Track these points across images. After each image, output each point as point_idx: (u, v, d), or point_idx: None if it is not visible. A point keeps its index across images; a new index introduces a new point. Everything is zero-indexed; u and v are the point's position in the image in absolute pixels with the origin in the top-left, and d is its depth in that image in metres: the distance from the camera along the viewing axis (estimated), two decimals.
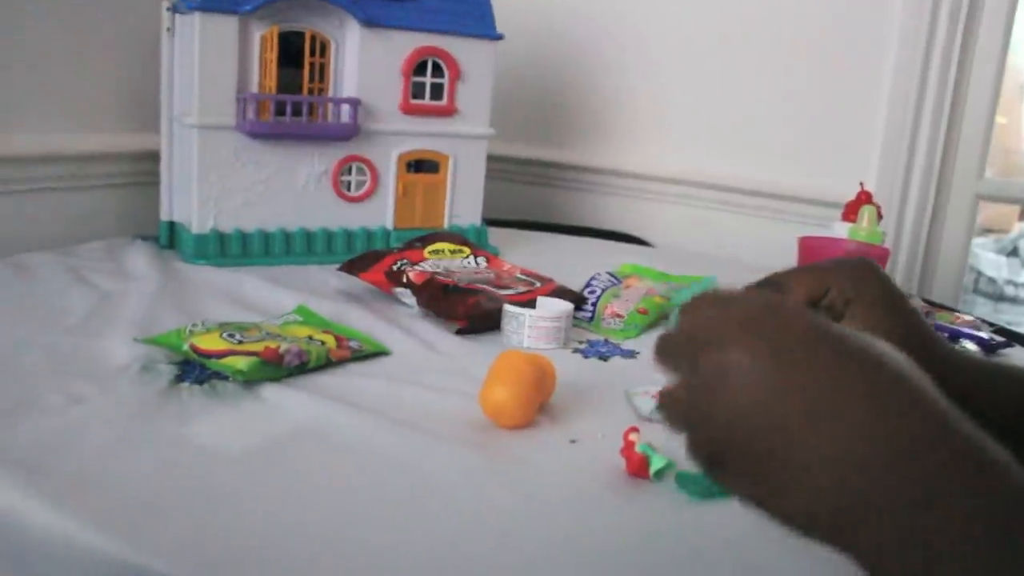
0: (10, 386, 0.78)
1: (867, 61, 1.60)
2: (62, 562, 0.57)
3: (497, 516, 0.63)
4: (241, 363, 0.81)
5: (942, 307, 1.30)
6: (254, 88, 1.25)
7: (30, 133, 1.33)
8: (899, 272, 1.64)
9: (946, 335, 1.08)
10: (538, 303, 1.07)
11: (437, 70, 1.38)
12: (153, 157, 1.36)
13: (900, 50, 1.56)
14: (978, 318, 1.19)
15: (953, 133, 1.58)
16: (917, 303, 1.27)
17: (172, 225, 1.34)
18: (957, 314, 1.21)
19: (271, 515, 0.60)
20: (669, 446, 0.71)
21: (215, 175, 1.26)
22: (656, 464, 0.68)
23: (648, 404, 0.84)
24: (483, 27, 1.40)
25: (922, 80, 1.55)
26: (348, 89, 1.32)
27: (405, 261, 1.15)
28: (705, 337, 0.39)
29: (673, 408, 0.41)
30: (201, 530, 0.58)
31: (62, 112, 1.37)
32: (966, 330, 1.10)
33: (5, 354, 0.85)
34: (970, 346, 1.04)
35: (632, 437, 0.69)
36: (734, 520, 0.64)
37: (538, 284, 1.15)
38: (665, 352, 0.42)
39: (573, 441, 0.76)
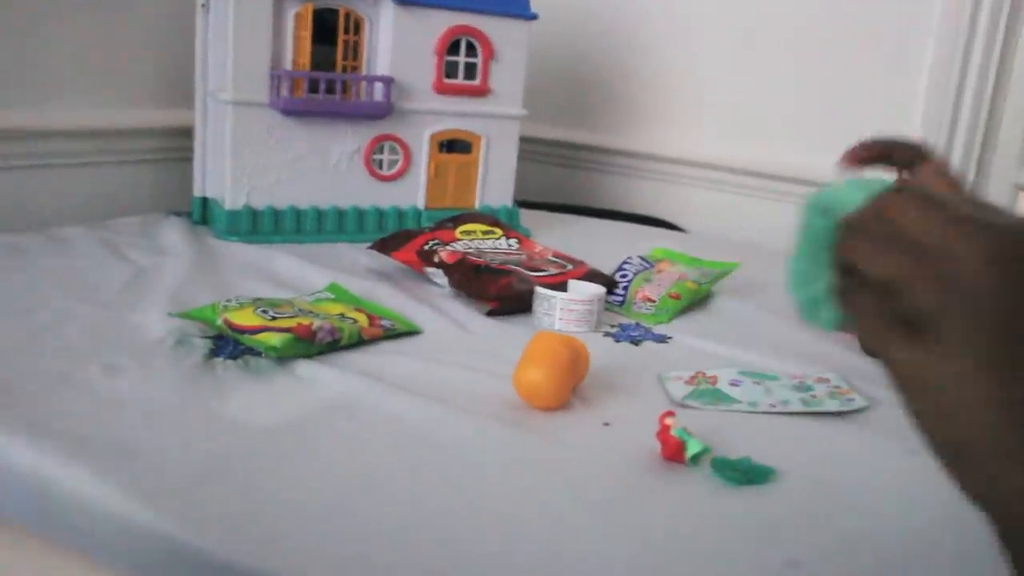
0: (52, 357, 0.79)
1: (906, 48, 1.57)
2: (100, 529, 0.58)
3: (531, 496, 0.63)
4: (275, 339, 0.81)
5: None
6: (288, 65, 1.25)
7: (65, 109, 1.34)
8: None
9: None
10: (570, 286, 1.06)
11: (471, 49, 1.37)
12: (187, 133, 1.36)
13: (940, 37, 1.53)
14: None
15: (993, 122, 1.56)
16: None
17: (205, 201, 1.35)
18: None
19: (303, 490, 0.61)
20: (705, 431, 0.71)
21: (248, 152, 1.26)
22: (692, 449, 0.67)
23: (681, 389, 0.84)
24: (518, 6, 1.39)
25: (962, 68, 1.52)
26: (381, 67, 1.31)
27: (437, 241, 1.15)
28: (958, 213, 0.36)
29: (884, 241, 0.37)
30: (233, 503, 0.58)
31: (97, 88, 1.38)
32: None
33: (46, 325, 0.86)
34: None
35: (668, 421, 0.68)
36: (770, 507, 0.64)
37: (570, 267, 1.15)
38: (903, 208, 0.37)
39: (607, 424, 0.75)
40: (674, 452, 0.67)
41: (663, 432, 0.68)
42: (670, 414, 0.69)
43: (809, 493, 0.67)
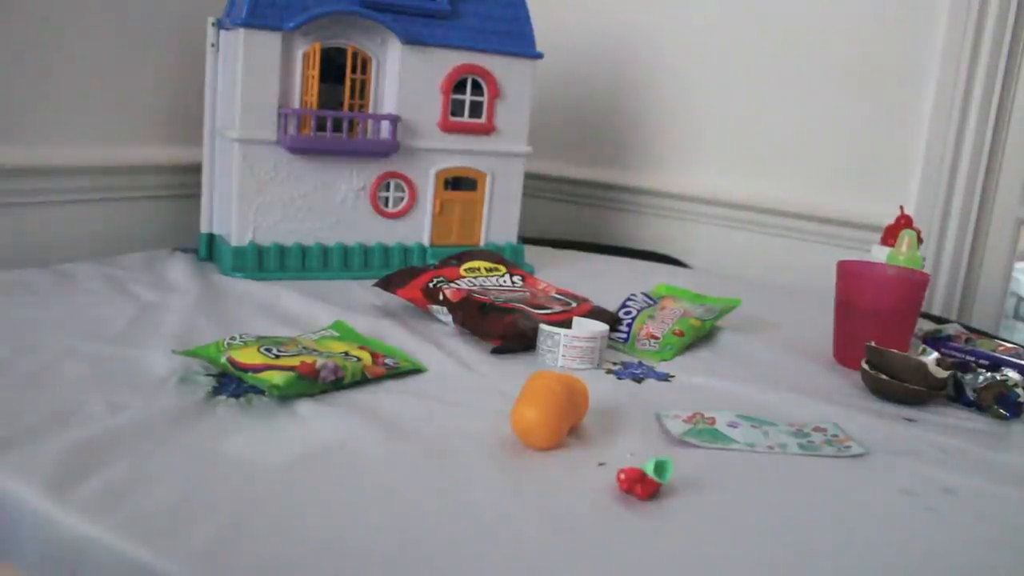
0: (55, 393, 0.79)
1: (909, 83, 1.58)
2: (97, 567, 0.58)
3: (521, 539, 0.62)
4: (277, 378, 0.82)
5: (982, 334, 1.28)
6: (295, 103, 1.27)
7: (74, 145, 1.35)
8: (939, 298, 1.62)
9: (986, 363, 1.07)
10: (574, 323, 1.07)
11: (476, 88, 1.39)
12: (194, 170, 1.38)
13: (943, 72, 1.54)
14: (1019, 345, 1.17)
15: (995, 156, 1.57)
16: (956, 329, 1.25)
17: (212, 237, 1.36)
18: (998, 342, 1.19)
19: (297, 531, 0.61)
20: (700, 469, 0.71)
21: (255, 189, 1.27)
22: (649, 469, 0.68)
23: (679, 426, 0.84)
24: (523, 46, 1.41)
25: (964, 103, 1.54)
26: (388, 106, 1.33)
27: (441, 278, 1.15)
28: None
29: None
30: (227, 543, 0.58)
31: (105, 124, 1.40)
32: (1007, 358, 1.09)
33: (50, 362, 0.87)
34: (1012, 375, 1.02)
35: (622, 476, 0.69)
36: (761, 546, 0.63)
37: (574, 304, 1.15)
38: None
39: (602, 464, 0.75)
40: (646, 486, 0.68)
41: (626, 485, 0.69)
42: (621, 472, 0.69)
43: (805, 531, 0.66)
